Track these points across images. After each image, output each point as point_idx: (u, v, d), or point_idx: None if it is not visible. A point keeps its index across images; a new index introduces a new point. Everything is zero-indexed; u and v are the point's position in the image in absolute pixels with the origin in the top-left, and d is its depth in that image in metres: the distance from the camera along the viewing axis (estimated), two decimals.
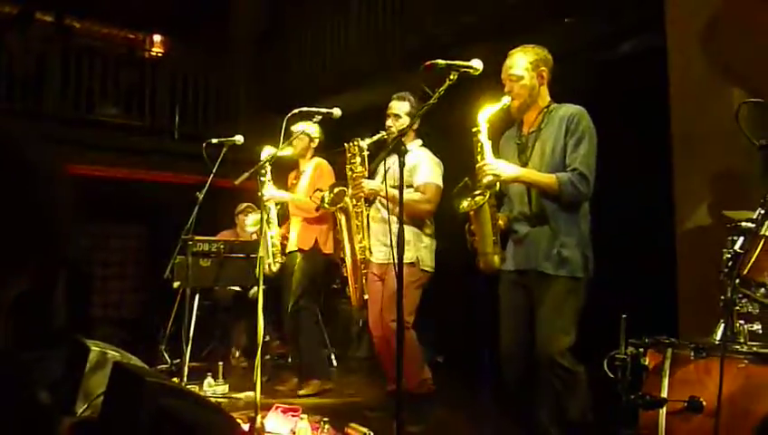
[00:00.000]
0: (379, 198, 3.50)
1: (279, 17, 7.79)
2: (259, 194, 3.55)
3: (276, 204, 4.21)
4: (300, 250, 4.19)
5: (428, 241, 3.51)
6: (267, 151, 4.01)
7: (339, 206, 3.55)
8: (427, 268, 3.48)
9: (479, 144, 2.50)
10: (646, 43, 4.04)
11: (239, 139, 3.77)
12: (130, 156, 7.09)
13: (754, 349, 1.83)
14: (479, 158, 2.50)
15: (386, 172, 2.50)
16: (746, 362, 1.80)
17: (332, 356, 5.33)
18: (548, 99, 2.64)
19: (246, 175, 3.32)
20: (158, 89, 7.56)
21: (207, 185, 3.73)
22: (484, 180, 2.46)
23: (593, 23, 4.45)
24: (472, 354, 4.51)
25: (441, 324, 4.19)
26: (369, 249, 3.53)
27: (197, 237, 4.11)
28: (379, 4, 6.15)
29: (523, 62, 2.58)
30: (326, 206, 3.58)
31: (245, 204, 5.53)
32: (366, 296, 3.54)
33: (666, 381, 1.84)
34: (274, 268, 4.17)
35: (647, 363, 1.90)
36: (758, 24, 1.49)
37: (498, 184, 2.55)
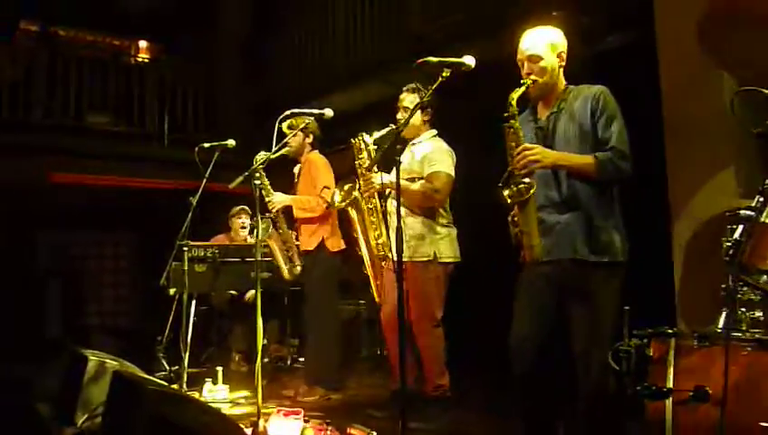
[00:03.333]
0: (392, 192, 3.45)
1: (266, 19, 7.75)
2: (267, 201, 3.52)
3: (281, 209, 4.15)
4: (305, 252, 4.16)
5: (445, 231, 3.46)
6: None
7: (348, 202, 3.54)
8: (447, 260, 3.43)
9: (512, 130, 2.31)
10: (635, 35, 4.04)
11: (231, 142, 3.75)
12: (121, 163, 7.06)
13: (757, 336, 1.83)
14: (513, 144, 2.30)
15: (398, 166, 2.40)
16: (749, 349, 1.80)
17: None
18: (564, 81, 2.47)
19: (240, 179, 3.29)
20: (147, 95, 7.53)
21: (201, 190, 3.70)
22: (526, 168, 2.24)
23: (582, 16, 4.45)
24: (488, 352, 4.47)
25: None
26: (389, 245, 3.50)
27: (192, 243, 4.08)
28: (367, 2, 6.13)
29: (541, 42, 2.40)
30: (337, 204, 3.58)
31: (239, 207, 5.51)
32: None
33: (671, 371, 1.84)
34: (291, 274, 4.18)
35: (651, 354, 1.89)
36: (754, 15, 1.49)
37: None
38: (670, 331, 1.92)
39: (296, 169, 4.33)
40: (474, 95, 4.07)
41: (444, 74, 2.31)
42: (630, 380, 1.80)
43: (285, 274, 4.26)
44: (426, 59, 2.30)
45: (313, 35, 6.84)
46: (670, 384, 1.81)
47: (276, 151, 3.39)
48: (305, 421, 3.16)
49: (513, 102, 2.31)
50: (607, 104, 2.36)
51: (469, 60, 2.36)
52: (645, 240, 3.55)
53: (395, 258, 3.34)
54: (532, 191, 2.25)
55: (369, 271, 3.63)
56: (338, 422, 3.08)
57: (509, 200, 2.29)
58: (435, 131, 3.58)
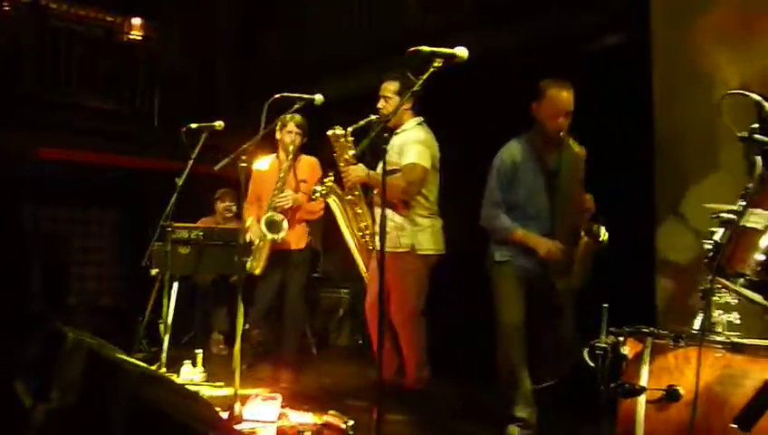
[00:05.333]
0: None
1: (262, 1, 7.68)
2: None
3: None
4: (297, 250, 4.15)
5: (427, 222, 3.44)
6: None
7: (327, 193, 3.54)
8: (427, 252, 3.43)
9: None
10: (630, 35, 4.05)
11: (219, 124, 3.72)
12: (109, 141, 6.98)
13: (732, 339, 1.85)
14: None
15: (384, 155, 2.44)
16: (723, 351, 1.82)
17: (313, 346, 5.31)
18: None
19: (227, 160, 3.27)
20: (138, 74, 7.46)
21: (187, 171, 3.68)
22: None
23: (576, 14, 4.45)
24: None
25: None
26: (373, 235, 3.51)
27: (176, 224, 4.05)
28: None
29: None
30: (315, 196, 3.57)
31: (223, 190, 5.48)
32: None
33: (645, 370, 1.86)
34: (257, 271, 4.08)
35: (626, 353, 1.91)
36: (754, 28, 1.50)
37: None
38: (646, 330, 1.94)
39: (269, 163, 4.22)
40: (467, 84, 4.07)
41: (435, 64, 2.30)
42: (604, 377, 1.82)
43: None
44: (417, 48, 2.29)
45: (313, 19, 6.78)
46: (644, 383, 1.84)
47: (259, 137, 3.31)
48: (283, 407, 3.17)
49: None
50: None
51: (461, 51, 2.36)
52: (629, 242, 3.59)
53: (378, 248, 3.40)
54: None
55: (359, 260, 3.63)
56: (316, 409, 3.10)
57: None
58: (419, 119, 3.54)
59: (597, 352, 1.87)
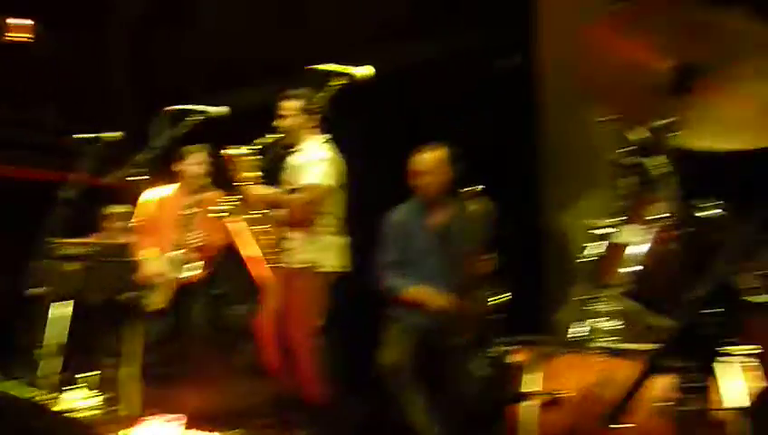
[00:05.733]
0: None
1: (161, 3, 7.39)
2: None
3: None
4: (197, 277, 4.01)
5: (331, 240, 3.44)
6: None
7: (230, 212, 3.46)
8: (331, 269, 3.43)
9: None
10: (519, 59, 4.26)
11: (114, 135, 3.58)
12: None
13: (608, 344, 1.99)
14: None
15: (283, 175, 2.43)
16: (600, 356, 1.96)
17: (215, 365, 5.15)
18: None
19: (121, 173, 3.14)
20: (27, 79, 7.01)
21: (75, 183, 3.50)
22: None
23: (468, 36, 4.62)
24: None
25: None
26: (274, 253, 3.46)
27: (63, 240, 3.83)
28: None
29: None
30: (213, 215, 3.49)
31: (115, 206, 5.21)
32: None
33: (529, 377, 1.96)
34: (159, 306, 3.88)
35: (515, 361, 2.01)
36: (613, 49, 1.63)
37: None
38: (533, 338, 2.06)
39: (169, 194, 4.00)
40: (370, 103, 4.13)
41: (332, 83, 2.33)
42: (492, 385, 1.90)
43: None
44: (315, 66, 2.32)
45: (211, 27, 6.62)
46: (530, 389, 1.94)
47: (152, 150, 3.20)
48: (187, 429, 3.07)
49: None
50: None
51: (363, 70, 2.38)
52: (518, 253, 3.76)
53: (278, 266, 3.41)
54: None
55: (261, 277, 3.57)
56: (221, 430, 3.02)
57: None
58: (324, 137, 3.51)
59: (487, 361, 1.95)
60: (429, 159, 3.14)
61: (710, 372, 1.75)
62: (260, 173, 3.33)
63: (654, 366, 1.04)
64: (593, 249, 1.92)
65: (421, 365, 3.09)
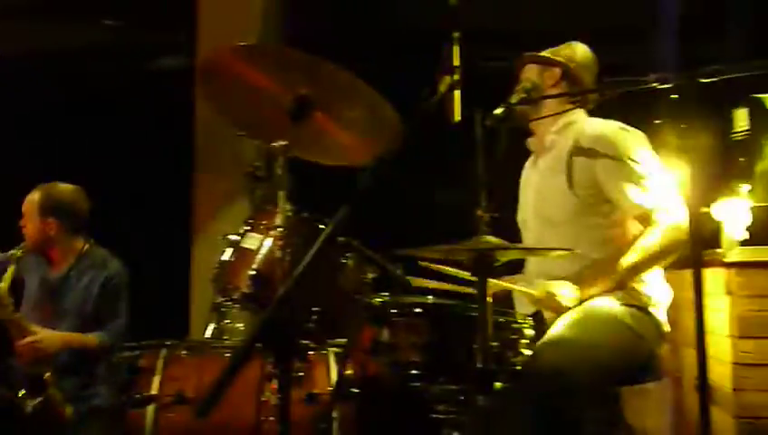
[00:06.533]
0: None
1: None
2: None
3: None
4: None
5: None
6: None
7: None
8: None
9: None
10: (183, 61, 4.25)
11: None
12: None
13: (233, 344, 2.15)
14: None
15: None
16: (226, 356, 2.10)
17: None
18: None
19: None
20: None
21: None
22: None
23: (133, 32, 4.45)
24: None
25: None
26: None
27: None
28: None
29: None
30: None
31: None
32: None
33: (157, 380, 2.00)
34: None
35: (142, 365, 2.02)
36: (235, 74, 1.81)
37: None
38: (163, 342, 2.09)
39: None
40: None
41: None
42: (116, 390, 1.89)
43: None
44: None
45: None
46: (155, 392, 1.97)
47: None
48: None
49: None
50: None
51: None
52: (167, 258, 3.76)
53: None
54: None
55: None
56: None
57: None
58: None
59: (112, 366, 1.92)
60: (26, 203, 2.73)
61: (306, 362, 2.05)
62: None
63: (240, 358, 1.16)
64: (225, 254, 2.04)
65: None
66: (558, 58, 2.14)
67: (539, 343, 1.78)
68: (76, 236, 2.76)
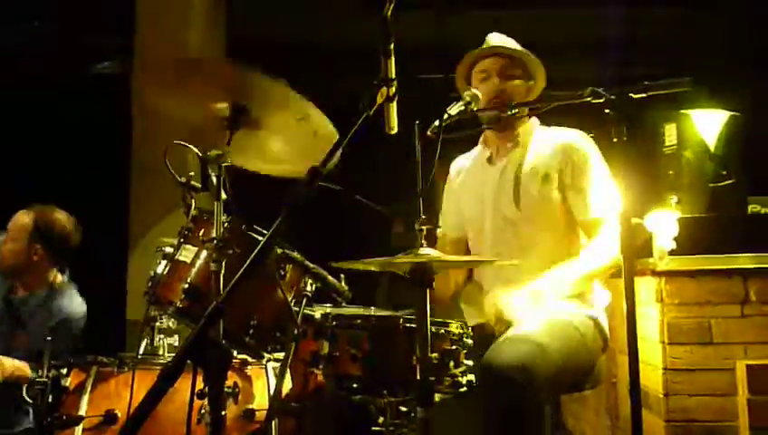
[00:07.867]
0: None
1: None
2: None
3: None
4: None
5: None
6: None
7: None
8: None
9: None
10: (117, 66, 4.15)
11: None
12: None
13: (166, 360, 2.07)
14: None
15: None
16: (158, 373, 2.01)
17: None
18: None
19: None
20: None
21: None
22: None
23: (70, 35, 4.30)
24: None
25: None
26: None
27: None
28: None
29: None
30: None
31: None
32: None
33: (85, 399, 1.91)
34: None
35: (68, 384, 1.92)
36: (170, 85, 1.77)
37: None
38: (93, 359, 2.00)
39: None
40: None
41: None
42: (42, 411, 1.79)
43: None
44: None
45: None
46: (83, 411, 1.88)
47: None
48: None
49: None
50: None
51: None
52: (101, 269, 3.62)
53: None
54: None
55: None
56: None
57: None
58: None
59: (37, 387, 1.83)
60: (16, 222, 2.66)
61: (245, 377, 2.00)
62: None
63: (167, 377, 1.11)
64: (159, 266, 1.97)
65: None
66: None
67: (501, 338, 1.78)
68: (54, 266, 2.65)
